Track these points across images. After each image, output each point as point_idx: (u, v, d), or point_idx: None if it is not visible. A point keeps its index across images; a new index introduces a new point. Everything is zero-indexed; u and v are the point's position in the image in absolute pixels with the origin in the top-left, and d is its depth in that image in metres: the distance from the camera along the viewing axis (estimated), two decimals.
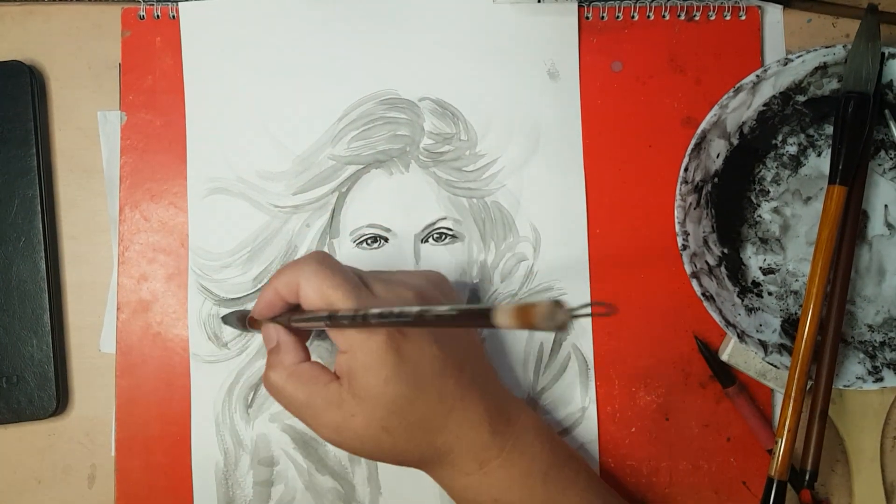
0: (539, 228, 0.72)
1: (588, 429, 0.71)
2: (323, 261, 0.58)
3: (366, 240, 0.71)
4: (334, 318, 0.54)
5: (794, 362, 0.66)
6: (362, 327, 0.54)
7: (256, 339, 0.71)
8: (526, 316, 0.38)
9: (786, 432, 0.65)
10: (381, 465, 0.70)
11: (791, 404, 0.65)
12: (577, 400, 0.72)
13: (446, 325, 0.49)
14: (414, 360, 0.57)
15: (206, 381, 0.71)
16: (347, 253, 0.71)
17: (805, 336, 0.65)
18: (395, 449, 0.59)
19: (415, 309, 0.47)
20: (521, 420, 0.63)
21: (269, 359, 0.60)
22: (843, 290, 0.68)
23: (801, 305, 0.72)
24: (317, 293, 0.56)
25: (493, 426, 0.60)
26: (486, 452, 0.60)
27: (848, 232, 0.68)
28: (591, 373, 0.71)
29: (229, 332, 0.71)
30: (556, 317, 0.37)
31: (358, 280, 0.58)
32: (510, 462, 0.61)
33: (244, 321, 0.66)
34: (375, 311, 0.50)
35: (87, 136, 0.73)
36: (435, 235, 0.71)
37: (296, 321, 0.59)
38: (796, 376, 0.65)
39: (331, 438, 0.59)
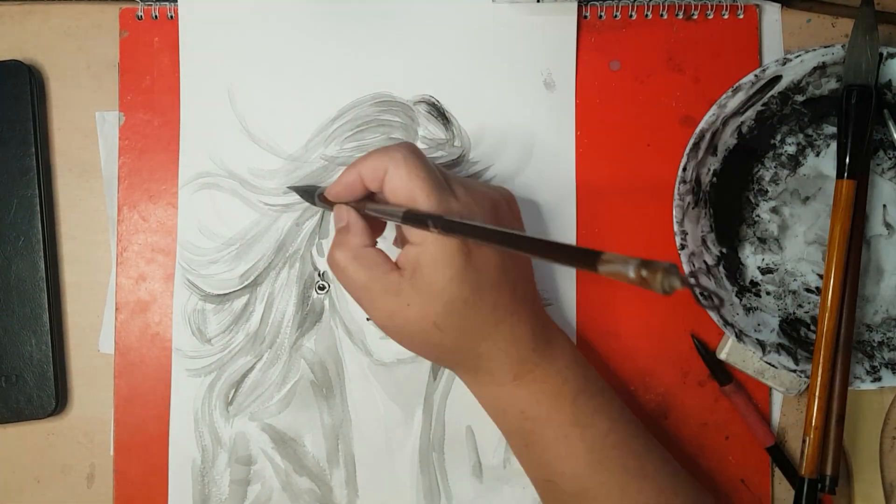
0: None
1: None
2: (414, 151, 0.58)
3: None
4: (414, 217, 0.55)
5: (815, 358, 0.66)
6: (444, 232, 0.54)
7: (240, 336, 0.71)
8: (637, 271, 0.38)
9: (812, 430, 0.66)
10: (359, 468, 0.71)
11: (816, 402, 0.65)
12: None
13: (535, 254, 0.48)
14: (479, 266, 0.58)
15: (187, 376, 0.71)
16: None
17: (825, 331, 0.66)
18: (441, 346, 0.60)
19: (507, 230, 0.48)
20: (559, 344, 0.64)
21: (336, 238, 0.61)
22: (853, 289, 0.68)
23: (799, 305, 0.72)
24: (403, 183, 0.57)
25: (534, 344, 0.62)
26: (522, 366, 0.62)
27: (855, 229, 0.68)
28: None
29: (213, 328, 0.71)
30: (669, 282, 0.37)
31: (442, 179, 0.59)
32: (543, 379, 0.62)
33: (313, 195, 0.66)
34: (465, 221, 0.52)
35: (87, 135, 0.73)
36: None
37: (372, 209, 0.59)
38: (819, 373, 0.65)
39: (383, 324, 0.61)
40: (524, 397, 0.62)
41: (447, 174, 0.61)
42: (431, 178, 0.57)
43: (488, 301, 0.59)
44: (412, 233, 0.57)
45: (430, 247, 0.56)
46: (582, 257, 0.42)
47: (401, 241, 0.64)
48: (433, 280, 0.57)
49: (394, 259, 0.59)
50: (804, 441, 0.66)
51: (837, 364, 0.67)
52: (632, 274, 0.38)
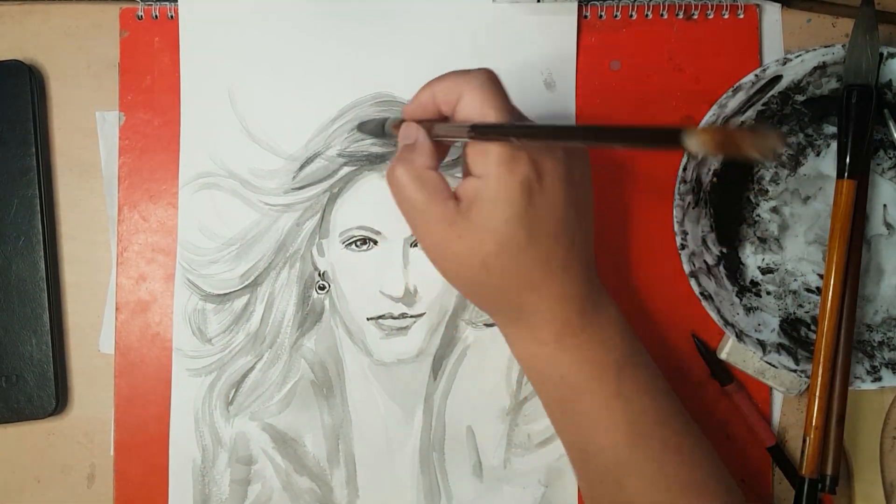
0: None
1: None
2: (491, 78, 0.57)
3: (355, 241, 0.71)
4: (482, 129, 0.53)
5: (816, 358, 0.66)
6: (523, 137, 0.52)
7: (240, 336, 0.71)
8: (729, 140, 0.36)
9: (813, 430, 0.66)
10: (359, 468, 0.71)
11: (816, 402, 0.66)
12: None
13: (620, 143, 0.47)
14: (540, 212, 0.56)
15: (188, 376, 0.71)
16: (336, 254, 0.72)
17: (825, 331, 0.66)
18: (484, 287, 0.59)
19: (586, 125, 0.45)
20: (607, 312, 0.62)
21: (400, 154, 0.59)
22: (854, 289, 0.68)
23: (799, 305, 0.72)
24: (476, 109, 0.55)
25: (582, 307, 0.60)
26: (565, 328, 0.60)
27: (856, 229, 0.68)
28: None
29: (214, 328, 0.71)
30: (767, 142, 0.35)
31: (518, 111, 0.57)
32: (587, 346, 0.60)
33: (382, 127, 0.64)
34: (536, 124, 0.50)
35: (87, 135, 0.73)
36: None
37: (440, 130, 0.57)
38: (820, 372, 0.66)
39: (431, 252, 0.59)
40: (566, 362, 0.60)
41: (523, 117, 0.59)
42: (506, 109, 0.55)
43: (542, 250, 0.57)
44: (475, 165, 0.55)
45: (491, 181, 0.54)
46: (664, 137, 0.40)
47: (463, 174, 0.61)
48: (489, 216, 0.55)
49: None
50: (804, 441, 0.66)
51: (838, 364, 0.67)
52: (702, 145, 0.36)
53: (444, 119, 0.59)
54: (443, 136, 0.57)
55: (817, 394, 0.66)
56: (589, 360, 0.60)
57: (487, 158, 0.54)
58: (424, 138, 0.58)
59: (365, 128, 0.69)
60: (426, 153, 0.58)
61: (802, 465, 0.66)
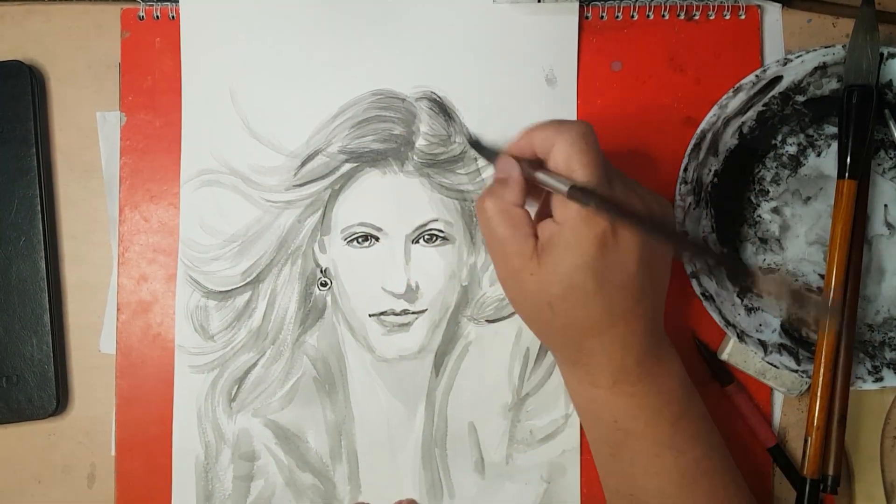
0: None
1: (571, 436, 0.72)
2: (586, 133, 0.58)
3: (356, 238, 0.71)
4: (580, 194, 0.55)
5: (817, 359, 0.66)
6: (598, 210, 0.54)
7: (242, 333, 0.71)
8: (796, 296, 0.38)
9: (814, 430, 0.66)
10: (361, 464, 0.71)
11: (818, 402, 0.66)
12: (562, 406, 0.72)
13: (692, 253, 0.48)
14: (612, 263, 0.58)
15: (190, 373, 0.71)
16: (338, 251, 0.72)
17: (827, 332, 0.66)
18: (549, 325, 0.61)
19: (678, 230, 0.47)
20: (668, 364, 0.63)
21: (492, 186, 0.61)
22: (855, 289, 0.68)
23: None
24: (565, 159, 0.57)
25: (642, 357, 0.61)
26: (622, 375, 0.61)
27: (857, 229, 0.68)
28: None
29: (216, 324, 0.71)
30: (823, 310, 0.37)
31: (605, 169, 0.58)
32: (644, 394, 0.61)
33: (492, 154, 0.65)
34: (636, 210, 0.53)
35: (87, 135, 0.73)
36: (426, 237, 0.72)
37: (542, 176, 0.59)
38: (821, 373, 0.66)
39: (504, 282, 0.63)
40: (621, 407, 0.62)
41: (612, 170, 0.60)
42: (595, 165, 0.57)
43: (608, 300, 0.58)
44: (557, 210, 0.58)
45: (567, 229, 0.57)
46: (735, 270, 0.43)
47: (540, 215, 0.64)
48: (559, 262, 0.57)
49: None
50: (806, 441, 0.66)
51: (839, 364, 0.67)
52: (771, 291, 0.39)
53: (541, 161, 0.60)
54: (541, 182, 0.59)
55: (819, 394, 0.66)
56: (644, 407, 0.61)
57: (568, 206, 0.57)
58: (518, 176, 0.60)
59: (477, 148, 0.69)
60: (516, 190, 0.60)
61: (804, 465, 0.66)
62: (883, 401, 0.72)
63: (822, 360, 0.66)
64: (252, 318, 0.71)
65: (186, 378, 0.71)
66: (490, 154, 0.65)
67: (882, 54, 0.68)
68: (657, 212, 0.62)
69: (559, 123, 0.59)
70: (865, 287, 0.71)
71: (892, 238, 0.72)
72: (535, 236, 0.59)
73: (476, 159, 0.72)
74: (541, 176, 0.58)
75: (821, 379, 0.66)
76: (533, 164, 0.60)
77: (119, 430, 0.71)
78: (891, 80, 0.70)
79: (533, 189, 0.61)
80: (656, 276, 0.62)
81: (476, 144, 0.68)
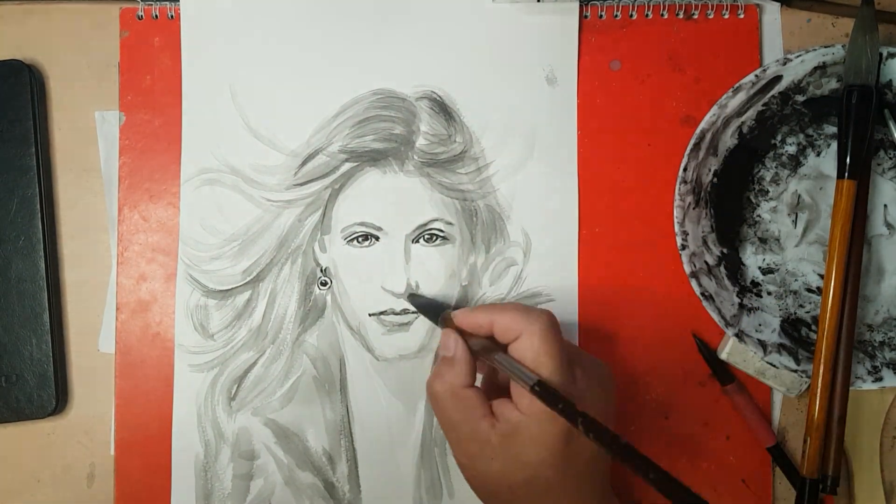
0: (530, 234, 0.72)
1: None
2: (553, 325, 0.58)
3: (357, 237, 0.72)
4: (547, 394, 0.54)
5: (817, 359, 0.66)
6: (568, 419, 0.53)
7: (243, 332, 0.71)
8: None
9: (814, 430, 0.66)
10: (361, 463, 0.71)
11: (818, 402, 0.66)
12: None
13: (633, 468, 0.49)
14: (573, 455, 0.58)
15: (190, 372, 0.71)
16: (338, 250, 0.72)
17: (826, 332, 0.66)
18: None
19: (640, 456, 0.48)
20: None
21: (439, 367, 0.61)
22: (854, 289, 0.68)
23: (800, 305, 0.72)
24: (533, 354, 0.57)
25: None
26: None
27: (856, 229, 0.68)
28: None
29: (216, 323, 0.71)
30: None
31: (568, 360, 0.58)
32: None
33: (436, 314, 0.65)
34: (599, 425, 0.51)
35: (87, 135, 0.73)
36: (426, 236, 0.72)
37: (502, 361, 0.58)
38: (821, 373, 0.66)
39: (461, 463, 0.61)
40: None
41: (570, 351, 0.60)
42: (560, 359, 0.57)
43: (568, 487, 0.58)
44: (520, 400, 0.57)
45: (534, 421, 0.56)
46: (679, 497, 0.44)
47: (489, 385, 0.64)
48: (525, 453, 0.57)
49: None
50: (805, 441, 0.66)
51: (839, 364, 0.67)
52: None
53: (491, 339, 0.60)
54: (501, 367, 0.58)
55: (818, 394, 0.66)
56: None
57: (535, 400, 0.55)
58: (463, 354, 0.60)
59: (414, 303, 0.70)
60: (464, 371, 0.60)
61: (804, 465, 0.66)
62: (882, 401, 0.72)
63: (822, 360, 0.66)
64: (252, 317, 0.71)
65: (186, 377, 0.71)
66: (431, 315, 0.66)
67: (881, 54, 0.68)
68: (608, 380, 0.63)
69: (526, 312, 0.59)
70: (865, 287, 0.71)
71: (892, 238, 0.72)
72: (490, 414, 0.58)
73: (477, 159, 0.72)
74: (504, 362, 0.58)
75: (820, 379, 0.66)
76: (483, 342, 0.60)
77: (118, 429, 0.71)
78: (890, 80, 0.70)
79: (481, 365, 0.62)
80: (608, 460, 0.63)
81: (416, 302, 0.70)
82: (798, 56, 0.68)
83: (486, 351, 0.59)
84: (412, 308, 0.71)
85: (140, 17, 0.72)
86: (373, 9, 0.73)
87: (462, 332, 0.62)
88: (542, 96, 0.72)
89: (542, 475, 0.57)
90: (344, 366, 0.71)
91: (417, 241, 0.72)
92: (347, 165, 0.72)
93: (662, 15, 0.73)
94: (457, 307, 0.70)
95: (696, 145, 0.69)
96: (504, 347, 0.59)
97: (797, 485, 0.69)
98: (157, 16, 0.72)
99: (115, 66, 0.73)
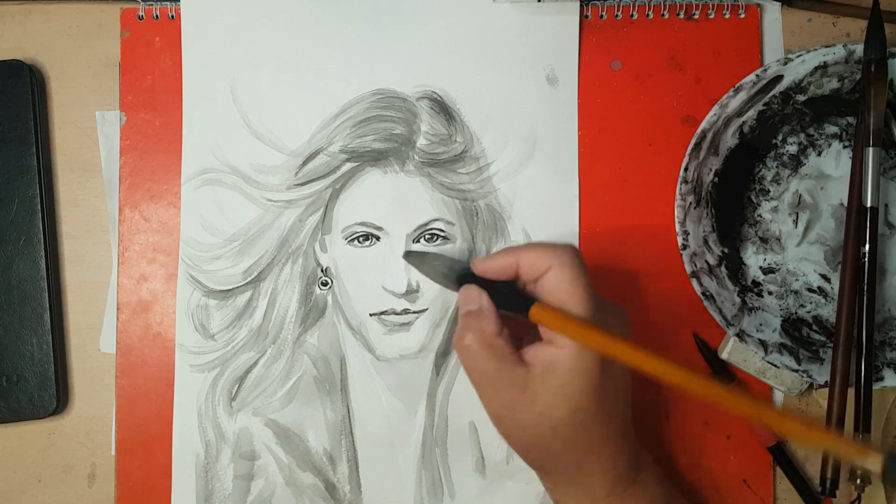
0: (531, 233, 0.72)
1: None
2: (579, 256, 0.58)
3: (357, 237, 0.72)
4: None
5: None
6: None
7: (243, 332, 0.71)
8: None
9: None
10: (361, 463, 0.71)
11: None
12: None
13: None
14: (612, 382, 0.58)
15: (191, 372, 0.71)
16: (339, 250, 0.72)
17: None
18: (548, 450, 0.60)
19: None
20: (648, 464, 0.64)
21: (466, 320, 0.60)
22: (852, 290, 0.68)
23: (801, 305, 0.72)
24: (564, 286, 0.57)
25: (630, 462, 0.62)
26: (617, 484, 0.61)
27: (853, 232, 0.68)
28: None
29: (217, 323, 0.71)
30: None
31: (594, 291, 0.58)
32: (633, 497, 0.62)
33: (452, 276, 0.64)
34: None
35: (87, 135, 0.73)
36: (427, 236, 0.72)
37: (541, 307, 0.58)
38: (839, 367, 0.66)
39: (496, 416, 0.60)
40: None
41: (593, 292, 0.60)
42: (590, 289, 0.57)
43: (607, 417, 0.59)
44: (558, 336, 0.57)
45: (569, 352, 0.56)
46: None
47: (515, 335, 0.62)
48: (566, 386, 0.56)
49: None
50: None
51: (837, 367, 0.67)
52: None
53: (510, 283, 0.60)
54: (512, 313, 0.59)
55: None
56: None
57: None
58: (489, 305, 0.60)
59: (430, 268, 0.67)
60: (493, 320, 0.59)
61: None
62: (883, 401, 0.72)
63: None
64: (253, 317, 0.71)
65: (187, 377, 0.71)
66: (446, 275, 0.65)
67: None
68: (625, 330, 0.63)
69: (549, 247, 0.58)
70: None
71: (893, 238, 0.72)
72: (523, 363, 0.58)
73: (477, 159, 0.72)
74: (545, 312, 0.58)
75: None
76: (497, 285, 0.60)
77: (119, 429, 0.71)
78: (891, 81, 0.70)
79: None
80: (636, 380, 0.63)
81: (414, 260, 0.68)
82: (799, 56, 0.68)
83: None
84: (413, 308, 0.71)
85: (141, 18, 0.73)
86: (373, 9, 0.73)
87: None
88: (543, 96, 0.72)
89: (584, 405, 0.57)
90: (345, 366, 0.71)
91: (418, 241, 0.72)
92: (348, 165, 0.72)
93: (663, 15, 0.73)
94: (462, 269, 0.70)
95: (697, 145, 0.69)
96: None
97: (797, 483, 0.69)
98: (157, 16, 0.72)
99: (115, 66, 0.73)
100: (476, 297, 0.60)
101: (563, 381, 0.56)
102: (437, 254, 0.69)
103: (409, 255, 0.70)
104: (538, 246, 0.59)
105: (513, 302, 0.59)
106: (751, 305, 0.71)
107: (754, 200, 0.72)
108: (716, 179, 0.71)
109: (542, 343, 0.58)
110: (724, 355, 0.71)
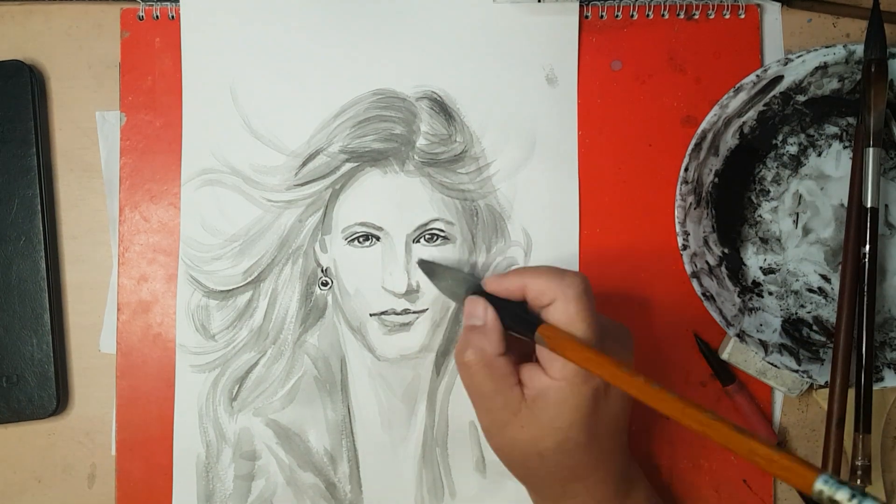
0: (531, 234, 0.72)
1: None
2: (588, 289, 0.58)
3: (357, 238, 0.71)
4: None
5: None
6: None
7: (244, 332, 0.71)
8: None
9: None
10: (362, 463, 0.71)
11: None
12: None
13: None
14: (602, 415, 0.58)
15: (191, 372, 0.71)
16: (339, 250, 0.72)
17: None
18: (534, 472, 0.61)
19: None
20: (639, 484, 0.65)
21: (469, 335, 0.60)
22: (853, 291, 0.68)
23: (801, 305, 0.72)
24: (568, 319, 0.56)
25: (618, 487, 0.62)
26: None
27: (853, 233, 0.68)
28: None
29: (217, 324, 0.71)
30: None
31: (598, 320, 0.58)
32: None
33: (461, 292, 0.64)
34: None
35: (87, 135, 0.73)
36: (427, 236, 0.72)
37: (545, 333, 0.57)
38: (839, 367, 0.66)
39: (489, 433, 0.61)
40: None
41: (602, 319, 0.60)
42: (594, 325, 0.56)
43: (597, 449, 0.59)
44: (551, 365, 0.57)
45: (564, 385, 0.56)
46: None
47: (518, 353, 0.62)
48: (555, 418, 0.57)
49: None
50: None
51: (837, 368, 0.67)
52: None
53: (521, 302, 0.60)
54: (517, 334, 0.59)
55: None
56: None
57: (566, 364, 0.56)
58: (495, 322, 0.59)
59: (427, 270, 0.68)
60: (496, 339, 0.59)
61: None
62: (883, 401, 0.72)
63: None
64: (253, 317, 0.71)
65: (187, 377, 0.71)
66: (459, 288, 0.64)
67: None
68: (628, 353, 0.63)
69: (560, 276, 0.58)
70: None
71: (893, 238, 0.72)
72: (519, 383, 0.58)
73: (477, 159, 0.72)
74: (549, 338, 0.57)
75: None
76: (505, 304, 0.60)
77: (119, 429, 0.71)
78: (891, 81, 0.70)
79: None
80: (629, 406, 0.62)
81: (427, 270, 0.68)
82: (799, 56, 0.68)
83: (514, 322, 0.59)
84: (413, 308, 0.71)
85: (141, 18, 0.73)
86: (373, 9, 0.73)
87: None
88: (543, 96, 0.72)
89: (572, 437, 0.57)
90: (345, 366, 0.71)
91: (418, 241, 0.72)
92: (348, 165, 0.72)
93: (663, 15, 0.73)
94: (458, 306, 0.70)
95: (698, 145, 0.69)
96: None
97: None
98: (157, 16, 0.72)
99: (115, 66, 0.73)
100: (482, 313, 0.60)
101: (554, 412, 0.57)
102: (450, 267, 0.69)
103: (423, 264, 0.69)
104: (547, 273, 0.58)
105: (519, 322, 0.59)
106: (751, 306, 0.71)
107: (754, 201, 0.72)
108: (716, 180, 0.71)
109: (537, 368, 0.58)
110: (724, 356, 0.71)
